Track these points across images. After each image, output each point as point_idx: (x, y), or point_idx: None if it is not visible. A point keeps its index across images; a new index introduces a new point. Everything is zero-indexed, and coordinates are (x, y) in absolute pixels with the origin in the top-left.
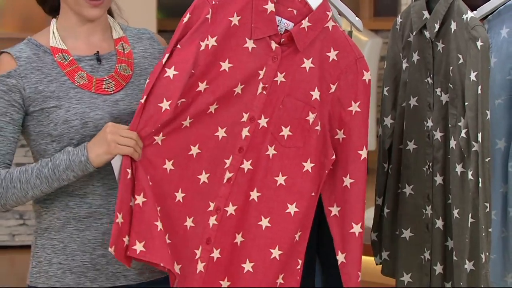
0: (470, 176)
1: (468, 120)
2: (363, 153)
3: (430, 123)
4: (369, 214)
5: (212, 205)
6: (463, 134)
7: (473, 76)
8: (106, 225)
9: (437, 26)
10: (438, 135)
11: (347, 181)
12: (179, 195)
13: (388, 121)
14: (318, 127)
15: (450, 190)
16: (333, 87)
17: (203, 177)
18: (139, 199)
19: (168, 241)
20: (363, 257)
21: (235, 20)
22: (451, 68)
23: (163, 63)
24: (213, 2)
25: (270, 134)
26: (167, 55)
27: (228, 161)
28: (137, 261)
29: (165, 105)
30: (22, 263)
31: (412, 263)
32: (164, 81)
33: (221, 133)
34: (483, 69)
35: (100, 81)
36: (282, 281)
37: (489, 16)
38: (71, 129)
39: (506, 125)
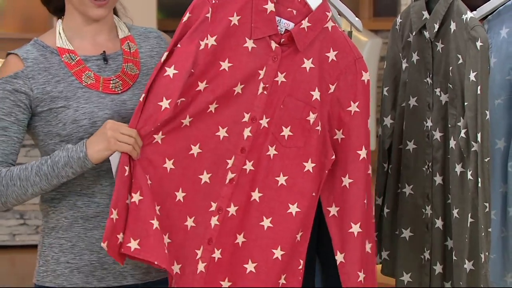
0: (469, 176)
1: (467, 120)
2: (362, 153)
3: (429, 123)
4: None
5: (214, 205)
6: (462, 134)
7: (472, 76)
8: None
9: (436, 26)
10: (437, 135)
11: (346, 181)
12: (180, 195)
13: (387, 121)
14: (318, 127)
15: (449, 190)
16: (332, 88)
17: (205, 177)
18: (136, 197)
19: (168, 240)
20: None
21: (234, 19)
22: (450, 68)
23: (163, 62)
24: (213, 1)
25: (271, 134)
26: (166, 54)
27: (230, 162)
28: (131, 259)
29: (165, 104)
30: (23, 263)
31: (412, 263)
32: (164, 80)
33: (222, 133)
34: (483, 69)
35: (107, 80)
36: (284, 282)
37: (489, 16)
38: (79, 128)
39: (506, 125)
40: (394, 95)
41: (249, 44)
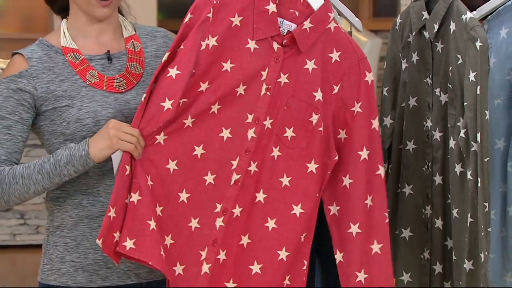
0: (469, 176)
1: (467, 120)
2: (363, 154)
3: (429, 123)
4: None
5: (219, 206)
6: (462, 134)
7: (472, 76)
8: None
9: (436, 27)
10: (437, 135)
11: (346, 181)
12: (184, 196)
13: (387, 121)
14: (321, 128)
15: (449, 190)
16: (336, 88)
17: (209, 178)
18: (135, 197)
19: (171, 241)
20: None
21: (236, 20)
22: (450, 68)
23: (165, 63)
24: (214, 2)
25: (274, 135)
26: (167, 54)
27: (235, 163)
28: (127, 259)
29: (167, 104)
30: (23, 262)
31: (412, 263)
32: (166, 80)
33: (225, 134)
34: (482, 70)
35: (111, 79)
36: (288, 282)
37: (489, 16)
38: (83, 127)
39: (505, 125)
40: (394, 95)
41: (251, 45)
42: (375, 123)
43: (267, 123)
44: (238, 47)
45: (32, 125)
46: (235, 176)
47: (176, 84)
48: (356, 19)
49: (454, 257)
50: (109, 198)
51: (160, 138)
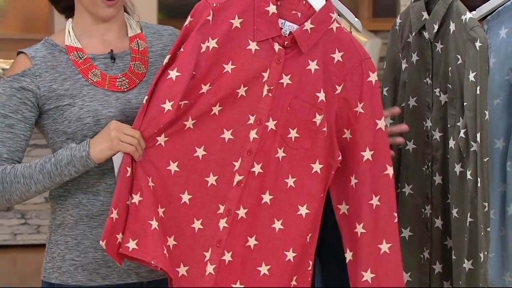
0: (469, 176)
1: (467, 120)
2: (366, 155)
3: (429, 123)
4: None
5: (222, 207)
6: (462, 134)
7: (471, 76)
8: None
9: (436, 27)
10: (437, 135)
11: (353, 181)
12: (185, 197)
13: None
14: (325, 129)
15: (449, 189)
16: (339, 88)
17: (211, 180)
18: (136, 198)
19: (173, 242)
20: None
21: (236, 22)
22: (450, 68)
23: (166, 65)
24: (214, 5)
25: (279, 137)
26: (168, 57)
27: (237, 164)
28: (131, 260)
29: (168, 106)
30: (24, 262)
31: (412, 262)
32: (167, 82)
33: (227, 135)
34: (482, 70)
35: (114, 78)
36: (295, 283)
37: (488, 16)
38: (84, 126)
39: (505, 125)
40: (393, 95)
41: (252, 46)
42: (381, 123)
43: (270, 124)
44: (239, 48)
45: (36, 124)
46: (237, 177)
47: (176, 86)
48: (356, 19)
49: (453, 257)
50: (109, 197)
51: (161, 139)
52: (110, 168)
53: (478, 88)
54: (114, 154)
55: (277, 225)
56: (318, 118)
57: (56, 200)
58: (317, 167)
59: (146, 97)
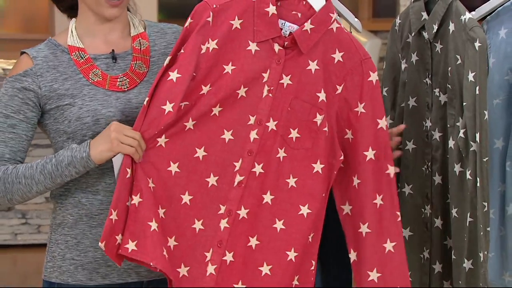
0: (468, 176)
1: (466, 120)
2: (369, 154)
3: (428, 123)
4: None
5: (223, 208)
6: (461, 134)
7: (471, 76)
8: None
9: (435, 27)
10: (436, 135)
11: (356, 181)
12: (186, 198)
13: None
14: (326, 128)
15: (449, 189)
16: (340, 88)
17: (212, 180)
18: (136, 199)
19: (174, 243)
20: None
21: (236, 23)
22: (449, 68)
23: (166, 66)
24: (214, 6)
25: (279, 137)
26: (169, 58)
27: (237, 164)
28: (130, 261)
29: (168, 107)
30: (24, 262)
31: (412, 262)
32: (167, 84)
33: (227, 135)
34: (481, 70)
35: (115, 78)
36: (297, 283)
37: (488, 17)
38: (83, 126)
39: (504, 125)
40: (393, 95)
41: (252, 47)
42: (382, 123)
43: (271, 124)
44: (239, 49)
45: (39, 124)
46: (238, 178)
47: (177, 87)
48: (356, 19)
49: (453, 257)
50: (108, 196)
51: (161, 140)
52: (109, 167)
53: (478, 88)
54: (114, 156)
55: (279, 225)
56: (319, 118)
57: (56, 200)
58: (318, 167)
59: (147, 99)
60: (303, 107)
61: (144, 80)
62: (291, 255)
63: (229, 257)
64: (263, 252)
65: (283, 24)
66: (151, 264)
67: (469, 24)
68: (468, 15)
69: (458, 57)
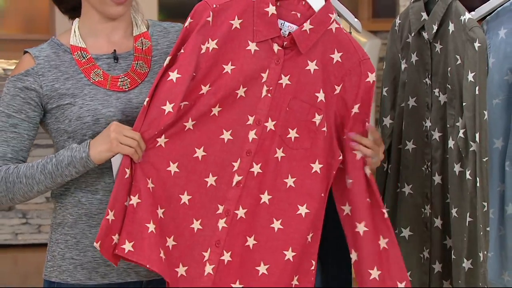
0: (468, 176)
1: (466, 120)
2: (358, 154)
3: (428, 123)
4: None
5: (221, 208)
6: (461, 134)
7: (470, 76)
8: None
9: (435, 28)
10: (436, 135)
11: (348, 181)
12: (185, 198)
13: (387, 121)
14: (324, 128)
15: (448, 189)
16: (338, 88)
17: (211, 180)
18: (134, 200)
19: (173, 243)
20: None
21: (236, 23)
22: (449, 69)
23: (166, 67)
24: (214, 6)
25: (278, 137)
26: (169, 59)
27: (236, 164)
28: (126, 261)
29: (168, 107)
30: (25, 262)
31: (411, 262)
32: (167, 84)
33: (226, 136)
34: (481, 70)
35: (116, 78)
36: (297, 283)
37: (487, 17)
38: (83, 125)
39: (504, 125)
40: (393, 95)
41: (252, 47)
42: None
43: (269, 124)
44: (239, 49)
45: (42, 124)
46: (236, 178)
47: (177, 88)
48: (356, 19)
49: (453, 256)
50: (108, 195)
51: (161, 141)
52: (109, 167)
53: (477, 88)
54: (114, 156)
55: (276, 224)
56: (317, 118)
57: (57, 199)
58: (316, 167)
59: (147, 99)
60: (302, 107)
61: (145, 80)
62: (289, 254)
63: (226, 256)
64: (261, 251)
65: (282, 24)
66: (147, 266)
67: (469, 24)
68: (467, 16)
69: (458, 57)
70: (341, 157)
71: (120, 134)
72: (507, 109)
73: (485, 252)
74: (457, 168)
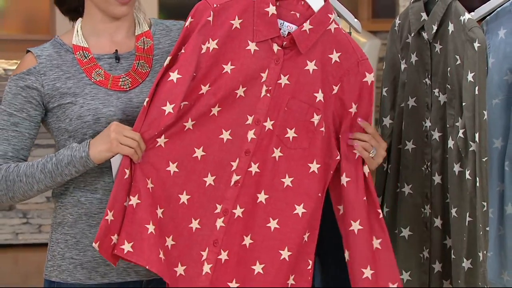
0: (467, 176)
1: (465, 120)
2: (357, 152)
3: (428, 123)
4: None
5: (219, 207)
6: (460, 134)
7: (470, 77)
8: None
9: (435, 28)
10: (436, 135)
11: (344, 179)
12: (184, 197)
13: (387, 121)
14: (323, 129)
15: (448, 189)
16: (336, 89)
17: (209, 180)
18: (133, 200)
19: (172, 242)
20: None
21: (236, 23)
22: (448, 69)
23: (166, 67)
24: (214, 5)
25: (275, 137)
26: (169, 59)
27: (234, 164)
28: (126, 261)
29: (169, 108)
30: (26, 261)
31: (411, 262)
32: (167, 84)
33: (225, 135)
34: (480, 70)
35: (117, 78)
36: (293, 282)
37: (487, 17)
38: (84, 124)
39: (503, 125)
40: (393, 95)
41: (252, 46)
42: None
43: (268, 124)
44: (239, 49)
45: (43, 123)
46: (235, 177)
47: (177, 88)
48: (355, 20)
49: (453, 256)
50: (107, 195)
51: (161, 141)
52: (108, 166)
53: (477, 88)
54: (113, 156)
55: (273, 224)
56: (316, 118)
57: (57, 199)
58: (314, 166)
59: (147, 99)
60: (300, 107)
61: (146, 80)
62: (285, 254)
63: (224, 256)
64: (257, 251)
65: (282, 24)
66: (147, 267)
67: (469, 24)
68: (467, 16)
69: (458, 57)
70: (338, 157)
71: (120, 134)
72: (507, 109)
73: (485, 252)
74: (456, 168)
